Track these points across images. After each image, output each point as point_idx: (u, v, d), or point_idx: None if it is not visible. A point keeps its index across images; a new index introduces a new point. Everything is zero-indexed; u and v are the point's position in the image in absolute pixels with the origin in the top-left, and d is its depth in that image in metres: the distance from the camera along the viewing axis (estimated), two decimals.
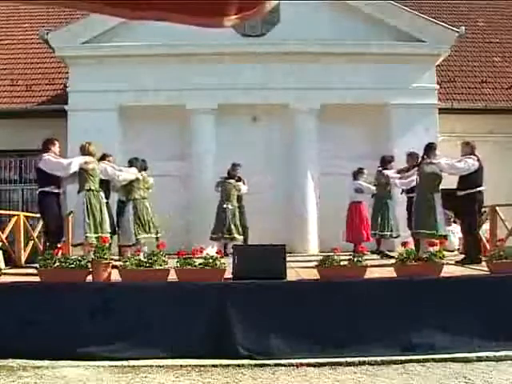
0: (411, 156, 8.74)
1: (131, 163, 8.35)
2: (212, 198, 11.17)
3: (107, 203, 7.84)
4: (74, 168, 7.20)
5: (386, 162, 9.11)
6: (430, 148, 8.02)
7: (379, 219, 9.24)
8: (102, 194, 7.44)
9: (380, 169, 9.38)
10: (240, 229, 10.09)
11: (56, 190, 7.31)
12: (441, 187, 7.78)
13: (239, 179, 10.31)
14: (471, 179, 7.50)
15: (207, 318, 5.68)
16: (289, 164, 11.49)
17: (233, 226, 10.00)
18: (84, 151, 7.41)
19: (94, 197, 7.22)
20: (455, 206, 7.88)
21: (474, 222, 7.71)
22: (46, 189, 7.26)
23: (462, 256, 8.00)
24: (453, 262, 7.48)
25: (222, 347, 5.56)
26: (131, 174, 8.09)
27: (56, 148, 7.50)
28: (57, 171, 7.22)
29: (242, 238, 10.07)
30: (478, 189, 7.53)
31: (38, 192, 7.52)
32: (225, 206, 10.05)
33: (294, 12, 11.19)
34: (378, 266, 7.18)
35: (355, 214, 9.92)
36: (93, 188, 7.25)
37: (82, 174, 7.28)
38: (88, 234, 7.04)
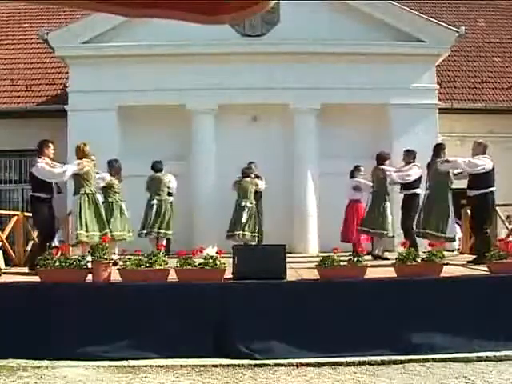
0: (408, 153, 8.72)
1: (110, 165, 8.58)
2: (212, 198, 11.19)
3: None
4: (67, 177, 7.32)
5: (382, 158, 8.99)
6: (440, 148, 8.02)
7: (375, 216, 8.74)
8: (97, 195, 7.54)
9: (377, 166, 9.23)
10: (255, 229, 9.98)
11: (46, 196, 7.34)
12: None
13: (257, 177, 10.28)
14: (484, 179, 7.49)
15: (207, 318, 5.68)
16: (289, 164, 11.49)
17: (248, 225, 9.93)
18: (79, 152, 7.45)
19: (88, 199, 7.30)
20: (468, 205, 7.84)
21: (486, 223, 7.73)
22: (36, 194, 7.33)
23: (464, 256, 7.99)
24: (454, 263, 7.47)
25: (222, 347, 5.56)
26: (104, 182, 8.32)
27: (50, 151, 7.50)
28: (49, 179, 7.30)
29: (255, 238, 9.93)
30: (491, 189, 7.54)
31: (29, 195, 7.66)
32: (243, 203, 10.00)
33: (294, 12, 11.20)
34: (378, 266, 7.18)
35: (352, 212, 9.86)
36: (88, 191, 7.34)
37: (77, 179, 7.37)
38: (79, 231, 7.10)
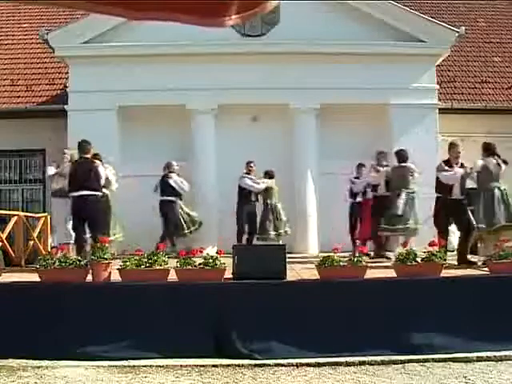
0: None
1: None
2: (212, 198, 11.18)
3: None
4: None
5: (404, 157, 8.62)
6: (492, 147, 7.82)
7: (406, 214, 8.26)
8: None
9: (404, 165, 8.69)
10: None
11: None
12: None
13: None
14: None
15: (207, 318, 5.68)
16: (289, 164, 11.48)
17: (278, 222, 10.20)
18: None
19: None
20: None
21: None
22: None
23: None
24: (454, 263, 7.48)
25: (222, 347, 5.56)
26: None
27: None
28: None
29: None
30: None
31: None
32: (274, 203, 10.25)
33: (294, 12, 11.19)
34: (377, 266, 7.19)
35: (362, 211, 9.76)
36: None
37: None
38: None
